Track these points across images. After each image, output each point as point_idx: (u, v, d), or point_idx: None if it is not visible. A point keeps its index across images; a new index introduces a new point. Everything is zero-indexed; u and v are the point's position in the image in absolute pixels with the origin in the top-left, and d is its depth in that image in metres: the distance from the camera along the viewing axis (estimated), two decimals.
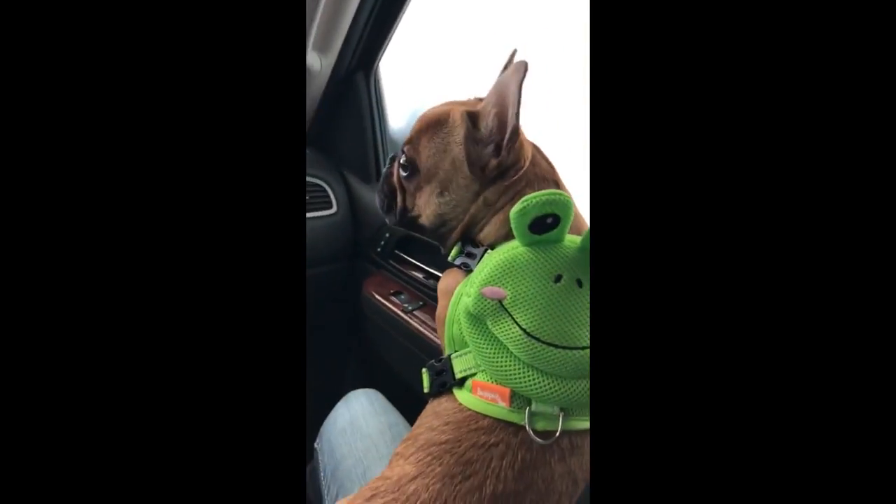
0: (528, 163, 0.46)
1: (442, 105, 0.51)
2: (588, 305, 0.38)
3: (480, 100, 0.52)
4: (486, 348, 0.39)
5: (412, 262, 0.94)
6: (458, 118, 0.46)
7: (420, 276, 0.91)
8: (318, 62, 0.92)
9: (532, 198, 0.36)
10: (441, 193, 0.47)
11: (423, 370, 0.45)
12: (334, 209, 1.00)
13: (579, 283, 0.38)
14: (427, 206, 0.48)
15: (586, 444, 0.41)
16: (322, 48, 0.90)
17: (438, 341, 0.66)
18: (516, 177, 0.45)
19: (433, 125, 0.47)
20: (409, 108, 1.04)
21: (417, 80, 1.02)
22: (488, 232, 0.46)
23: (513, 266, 0.39)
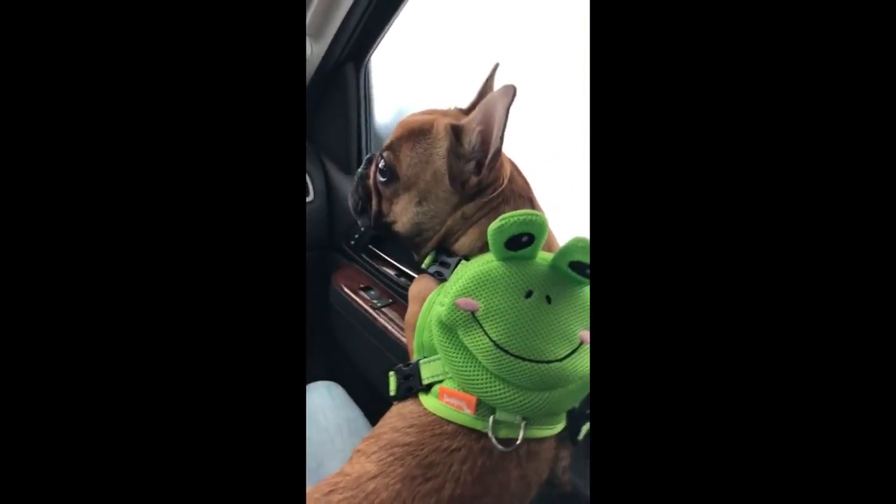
0: (506, 181, 0.47)
1: (424, 114, 0.51)
2: (555, 321, 0.40)
3: (462, 111, 0.53)
4: (456, 357, 0.40)
5: (385, 259, 0.95)
6: (442, 130, 0.46)
7: (392, 272, 0.91)
8: (310, 48, 0.90)
9: (511, 216, 0.38)
10: (419, 203, 0.48)
11: (391, 373, 0.46)
12: (311, 197, 0.98)
13: (548, 300, 0.40)
14: (404, 214, 0.49)
15: (542, 450, 0.43)
16: (315, 34, 0.89)
17: (405, 341, 0.67)
18: (494, 194, 0.46)
19: (416, 134, 0.48)
20: (397, 105, 1.03)
21: (409, 77, 1.01)
22: (463, 243, 0.47)
23: (487, 279, 0.40)
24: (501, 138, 0.42)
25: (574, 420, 0.45)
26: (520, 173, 0.51)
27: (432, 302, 0.45)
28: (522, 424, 0.39)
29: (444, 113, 0.52)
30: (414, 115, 0.52)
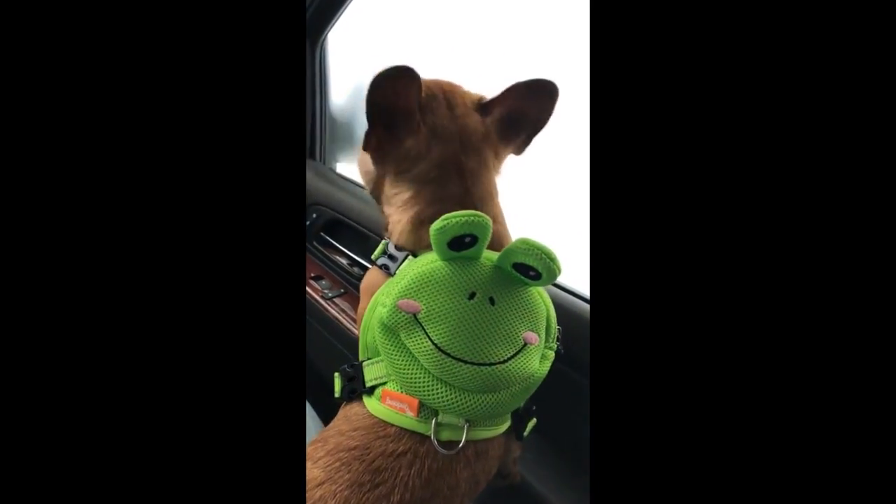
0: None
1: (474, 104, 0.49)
2: (498, 323, 0.39)
3: (485, 105, 0.49)
4: (398, 359, 0.40)
5: (337, 247, 0.92)
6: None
7: (344, 261, 0.89)
8: None
9: (453, 217, 0.37)
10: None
11: (336, 374, 0.45)
12: None
13: (491, 301, 0.40)
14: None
15: (491, 448, 0.43)
16: None
17: (356, 332, 0.66)
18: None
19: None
20: (355, 86, 0.99)
21: (368, 57, 0.97)
22: (399, 233, 0.46)
23: (429, 280, 0.39)
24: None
25: (518, 420, 0.46)
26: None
27: (376, 302, 0.44)
28: (465, 427, 0.39)
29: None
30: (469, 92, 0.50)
